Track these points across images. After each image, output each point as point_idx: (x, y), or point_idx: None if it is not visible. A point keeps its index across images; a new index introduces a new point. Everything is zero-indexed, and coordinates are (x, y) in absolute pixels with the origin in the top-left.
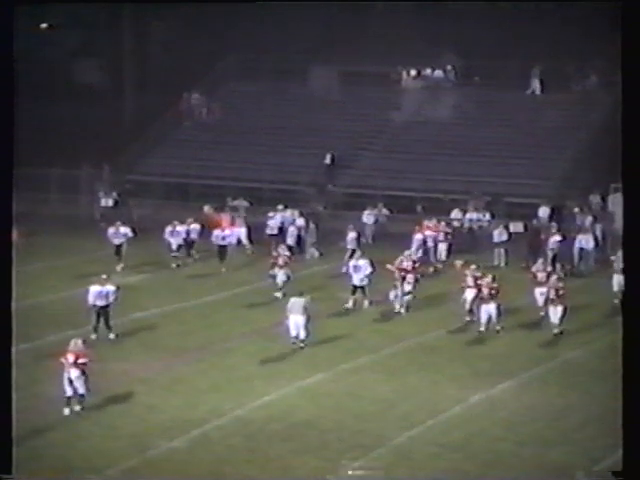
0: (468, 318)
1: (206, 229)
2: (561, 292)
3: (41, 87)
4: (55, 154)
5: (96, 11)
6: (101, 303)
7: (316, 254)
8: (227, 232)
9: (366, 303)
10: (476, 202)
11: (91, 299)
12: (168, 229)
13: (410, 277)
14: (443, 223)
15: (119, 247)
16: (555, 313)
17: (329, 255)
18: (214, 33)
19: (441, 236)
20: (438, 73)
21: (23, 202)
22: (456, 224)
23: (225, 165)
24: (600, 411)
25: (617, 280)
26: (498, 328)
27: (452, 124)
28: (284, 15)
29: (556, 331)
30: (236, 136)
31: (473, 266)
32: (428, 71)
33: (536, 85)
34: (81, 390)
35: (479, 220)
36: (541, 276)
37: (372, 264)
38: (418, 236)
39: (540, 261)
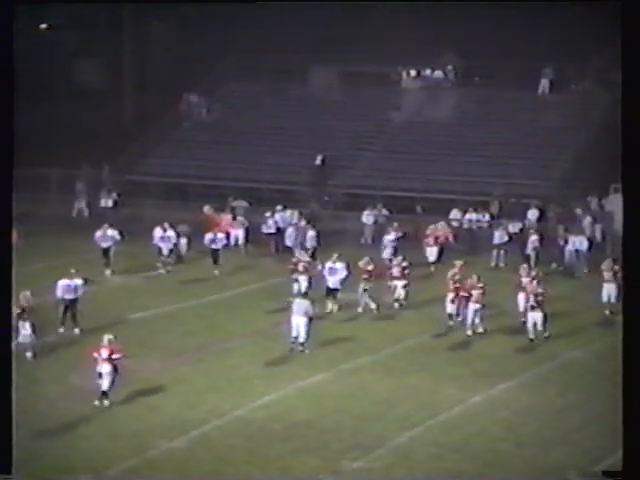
0: (451, 323)
1: (196, 232)
2: (540, 298)
3: (41, 87)
4: (55, 154)
5: (96, 11)
6: (69, 297)
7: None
8: (220, 235)
9: (335, 308)
10: (494, 203)
11: (59, 292)
12: (158, 234)
13: (401, 283)
14: (442, 224)
15: (107, 250)
16: (534, 319)
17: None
18: (214, 33)
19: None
20: (438, 73)
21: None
22: (455, 224)
23: (225, 165)
24: (600, 411)
25: (607, 290)
26: (481, 330)
27: (452, 124)
28: (284, 15)
29: (546, 334)
30: (236, 136)
31: (455, 269)
32: (428, 71)
33: (546, 85)
34: (105, 387)
35: (478, 221)
36: (525, 281)
37: (348, 267)
38: (430, 242)
39: (524, 266)
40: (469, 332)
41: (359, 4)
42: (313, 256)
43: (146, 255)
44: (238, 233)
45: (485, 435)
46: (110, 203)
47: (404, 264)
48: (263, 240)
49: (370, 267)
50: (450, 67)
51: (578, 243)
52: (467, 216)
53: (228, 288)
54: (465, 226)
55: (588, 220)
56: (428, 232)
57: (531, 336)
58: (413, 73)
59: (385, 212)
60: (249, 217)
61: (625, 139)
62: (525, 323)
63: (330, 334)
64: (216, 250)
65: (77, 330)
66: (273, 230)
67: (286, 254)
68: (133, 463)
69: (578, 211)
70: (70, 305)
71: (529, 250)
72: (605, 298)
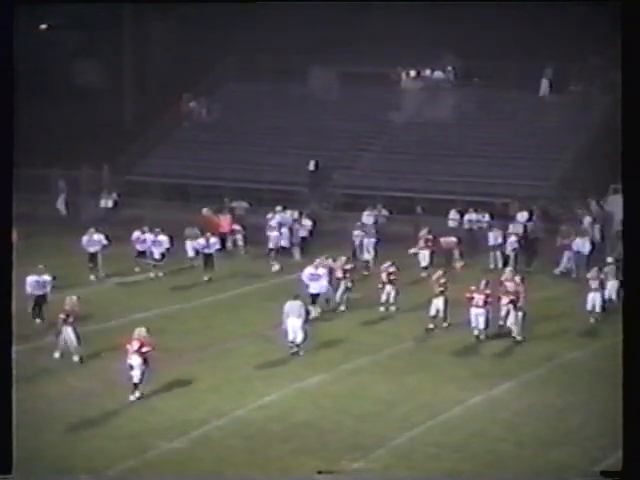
0: (431, 325)
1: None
2: (521, 298)
3: (41, 87)
4: (55, 155)
5: (96, 11)
6: (38, 292)
7: (297, 255)
8: (212, 240)
9: (315, 312)
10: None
11: (29, 289)
12: (139, 237)
13: (390, 288)
14: (425, 231)
15: (94, 255)
16: (515, 317)
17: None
18: (214, 33)
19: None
20: (438, 74)
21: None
22: (451, 224)
23: (225, 166)
24: (600, 411)
25: (591, 299)
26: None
27: (451, 125)
28: (284, 15)
29: (519, 338)
30: (235, 137)
31: (440, 272)
32: (428, 72)
33: (545, 85)
34: (136, 379)
35: (478, 221)
36: (509, 285)
37: (330, 273)
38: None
39: (508, 269)
40: (476, 333)
41: (359, 4)
42: (302, 250)
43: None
44: (237, 234)
45: (485, 435)
46: (110, 204)
47: (391, 269)
48: (263, 241)
49: (348, 266)
50: (450, 67)
51: (581, 245)
52: (467, 217)
53: (228, 289)
54: (465, 227)
55: (588, 221)
56: (420, 236)
57: (518, 338)
58: (413, 73)
59: (385, 212)
60: (249, 218)
61: (625, 140)
62: (502, 326)
63: (329, 335)
64: (209, 255)
65: (38, 320)
66: (276, 233)
67: (286, 255)
68: (133, 463)
69: (578, 212)
70: (39, 301)
71: (508, 251)
72: (589, 307)
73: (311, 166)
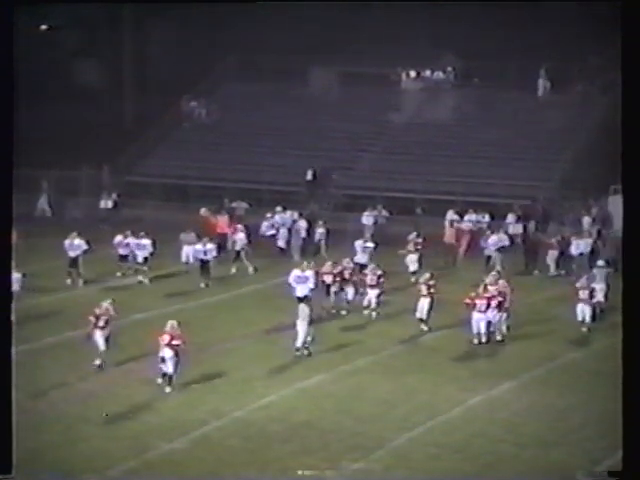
0: (425, 327)
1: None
2: (507, 300)
3: (41, 87)
4: (54, 155)
5: (96, 11)
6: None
7: (297, 256)
8: (210, 246)
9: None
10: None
11: None
12: (122, 241)
13: (374, 292)
14: (414, 234)
15: (75, 260)
16: (500, 319)
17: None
18: (214, 33)
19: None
20: (438, 74)
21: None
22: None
23: (224, 166)
24: (600, 412)
25: (581, 310)
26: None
27: (451, 125)
28: (284, 15)
29: (498, 338)
30: (235, 137)
31: (427, 274)
32: (428, 72)
33: (545, 86)
34: (170, 371)
35: (478, 222)
36: (493, 289)
37: (317, 275)
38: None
39: (492, 273)
40: (475, 341)
41: (359, 4)
42: (302, 251)
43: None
44: (237, 235)
45: (485, 436)
46: (110, 204)
47: (378, 272)
48: (263, 241)
49: (336, 270)
50: (450, 68)
51: (583, 246)
52: (467, 217)
53: (228, 289)
54: (465, 227)
55: (587, 221)
56: (409, 239)
57: (498, 337)
58: (413, 74)
59: (385, 213)
60: (248, 218)
61: (625, 140)
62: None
63: (329, 336)
64: (206, 261)
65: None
66: (273, 231)
67: (285, 255)
68: (133, 464)
69: (579, 213)
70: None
71: (491, 252)
72: (580, 317)
73: (309, 175)
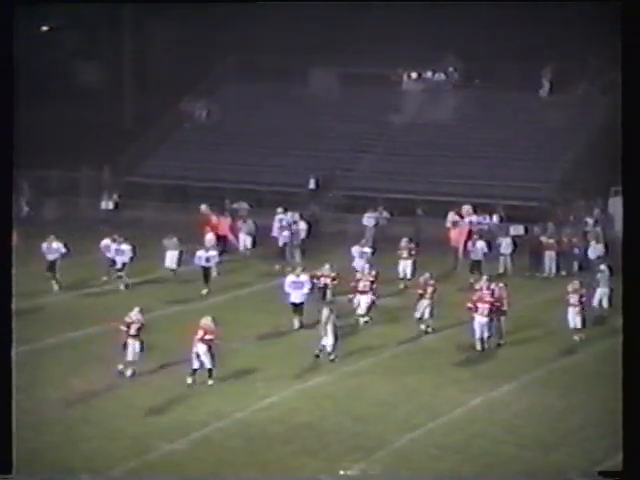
0: (423, 327)
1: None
2: (504, 303)
3: (41, 87)
4: (55, 156)
5: (96, 11)
6: None
7: (298, 257)
8: (212, 252)
9: (297, 323)
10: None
11: None
12: (113, 246)
13: (367, 298)
14: (406, 240)
15: (53, 263)
16: (497, 322)
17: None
18: (214, 33)
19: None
20: (438, 75)
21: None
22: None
23: (225, 167)
24: (600, 413)
25: (571, 317)
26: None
27: (452, 126)
28: (284, 15)
29: (500, 341)
30: (236, 138)
31: (427, 275)
32: (429, 73)
33: (546, 86)
34: (209, 364)
35: (479, 223)
36: (486, 293)
37: (312, 280)
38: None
39: (484, 278)
40: (479, 347)
41: (359, 4)
42: (303, 252)
43: (147, 256)
44: (239, 236)
45: (485, 437)
46: (111, 205)
47: (371, 278)
48: (264, 242)
49: (333, 274)
50: (451, 69)
51: (584, 248)
52: (467, 219)
53: (230, 290)
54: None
55: (590, 224)
56: (401, 246)
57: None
58: (414, 75)
59: (386, 214)
60: (249, 219)
61: (625, 141)
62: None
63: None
64: (207, 268)
65: None
66: (275, 232)
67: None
68: (133, 464)
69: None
70: None
71: (479, 256)
72: (571, 325)
73: (311, 184)
